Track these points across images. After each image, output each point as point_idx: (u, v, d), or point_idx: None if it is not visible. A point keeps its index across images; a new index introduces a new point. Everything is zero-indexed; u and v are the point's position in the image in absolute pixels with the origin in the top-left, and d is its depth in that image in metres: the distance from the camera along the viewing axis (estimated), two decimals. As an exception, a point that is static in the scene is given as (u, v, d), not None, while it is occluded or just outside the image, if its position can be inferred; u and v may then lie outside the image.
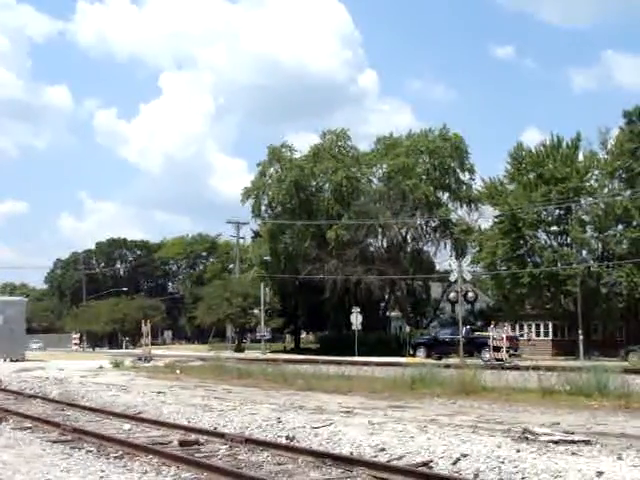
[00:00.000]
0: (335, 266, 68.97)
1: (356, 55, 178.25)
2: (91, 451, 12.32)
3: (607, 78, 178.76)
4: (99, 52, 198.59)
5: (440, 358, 46.16)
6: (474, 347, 45.87)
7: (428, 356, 48.32)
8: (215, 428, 14.82)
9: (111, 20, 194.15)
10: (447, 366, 29.03)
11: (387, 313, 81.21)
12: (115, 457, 11.74)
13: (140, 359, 45.30)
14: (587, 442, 12.20)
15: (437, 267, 75.49)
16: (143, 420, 16.32)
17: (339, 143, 76.14)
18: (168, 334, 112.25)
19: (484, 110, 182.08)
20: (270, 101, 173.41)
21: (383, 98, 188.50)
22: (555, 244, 59.26)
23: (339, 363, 35.99)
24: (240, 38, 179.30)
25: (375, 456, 11.70)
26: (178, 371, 34.87)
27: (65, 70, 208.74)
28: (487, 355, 44.13)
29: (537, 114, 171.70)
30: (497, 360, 40.31)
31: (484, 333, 48.20)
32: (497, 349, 42.17)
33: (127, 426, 15.45)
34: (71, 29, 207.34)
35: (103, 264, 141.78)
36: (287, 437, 13.60)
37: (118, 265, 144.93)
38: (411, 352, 53.14)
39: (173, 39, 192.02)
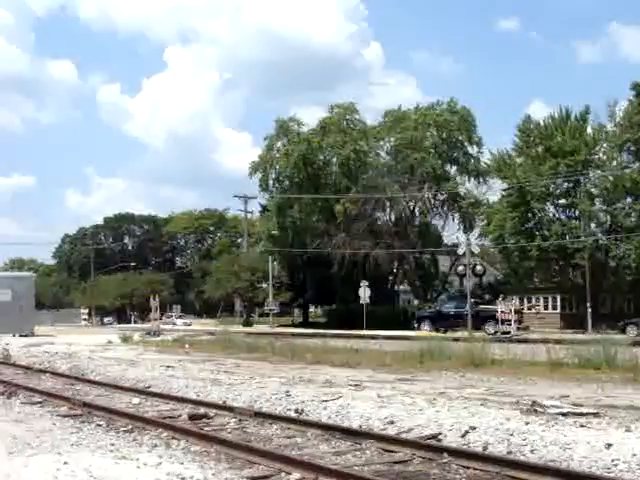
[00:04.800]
0: (343, 240, 68.92)
1: (361, 28, 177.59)
2: (101, 425, 12.37)
3: (613, 50, 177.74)
4: (102, 26, 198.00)
5: (445, 331, 46.23)
6: (479, 320, 45.84)
7: (436, 330, 48.33)
8: (224, 402, 14.87)
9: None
10: (455, 339, 29.06)
11: (395, 287, 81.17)
12: (125, 431, 11.78)
13: (149, 334, 45.47)
14: (596, 414, 12.23)
15: (445, 240, 75.46)
16: (152, 394, 16.38)
17: (347, 117, 75.79)
18: (176, 309, 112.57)
19: (490, 83, 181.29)
20: (275, 75, 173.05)
21: (388, 71, 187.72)
22: (563, 217, 59.08)
23: (347, 337, 36.17)
24: (244, 11, 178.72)
25: (384, 429, 11.73)
26: (187, 345, 35.00)
27: (68, 44, 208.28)
28: (491, 328, 44.21)
29: (543, 87, 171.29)
30: (504, 333, 40.38)
31: (489, 306, 48.26)
32: (504, 322, 42.24)
33: (136, 400, 15.51)
34: (73, 3, 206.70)
35: (111, 239, 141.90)
36: (296, 410, 13.64)
37: (126, 240, 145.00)
38: (415, 325, 53.16)
39: (176, 12, 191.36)
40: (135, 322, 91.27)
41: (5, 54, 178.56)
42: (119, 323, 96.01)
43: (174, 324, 76.35)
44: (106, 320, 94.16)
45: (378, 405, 13.70)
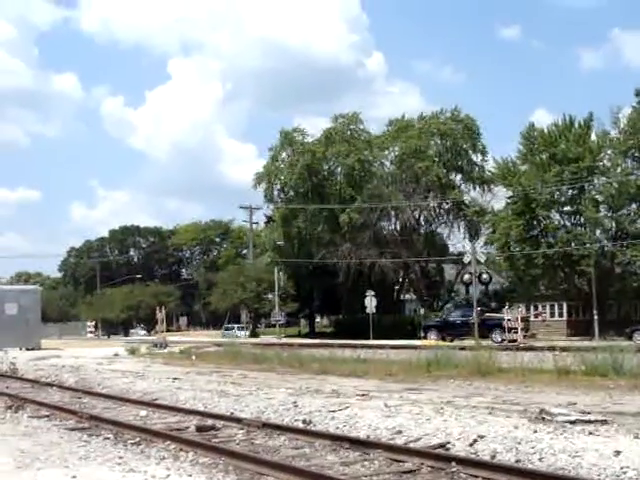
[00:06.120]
0: (349, 250, 68.98)
1: (363, 38, 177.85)
2: (108, 438, 12.36)
3: (616, 57, 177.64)
4: (104, 39, 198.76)
5: (452, 340, 46.17)
6: (485, 329, 45.72)
7: (443, 339, 48.26)
8: (232, 413, 14.86)
9: (115, 6, 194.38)
10: (462, 348, 29.04)
11: (401, 296, 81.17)
12: (133, 443, 11.77)
13: (155, 346, 45.45)
14: (604, 422, 12.20)
15: (451, 249, 75.57)
16: (160, 406, 16.37)
17: (351, 127, 75.97)
18: (183, 320, 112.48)
19: (492, 91, 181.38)
20: (278, 86, 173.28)
21: (391, 81, 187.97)
22: (569, 224, 59.06)
23: (354, 347, 36.10)
24: (246, 23, 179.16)
25: (392, 439, 11.72)
26: (194, 357, 34.97)
27: (72, 58, 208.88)
28: (498, 337, 44.17)
29: (546, 94, 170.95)
30: (510, 341, 40.32)
31: (495, 315, 48.21)
32: (511, 330, 42.19)
33: (144, 412, 15.50)
34: (75, 16, 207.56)
35: (117, 252, 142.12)
36: (304, 421, 13.63)
37: (132, 252, 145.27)
38: (422, 335, 53.11)
39: (179, 24, 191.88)
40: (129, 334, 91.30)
41: (9, 68, 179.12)
42: (125, 335, 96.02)
43: (237, 336, 73.83)
44: (141, 332, 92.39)
45: (386, 415, 13.69)
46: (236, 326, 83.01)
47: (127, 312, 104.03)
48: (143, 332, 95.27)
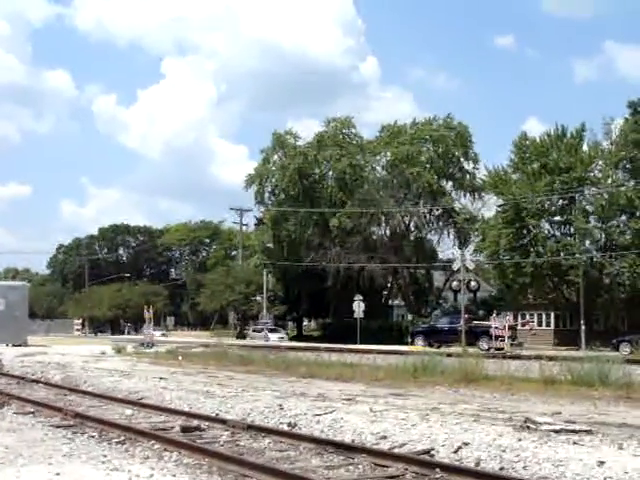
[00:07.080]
0: (338, 254, 69.03)
1: (358, 42, 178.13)
2: (93, 436, 12.32)
3: (609, 69, 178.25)
4: (99, 37, 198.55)
5: (439, 347, 46.17)
6: (473, 336, 45.73)
7: (430, 345, 48.26)
8: (217, 414, 14.83)
9: (110, 4, 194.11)
10: (449, 355, 29.02)
11: (389, 301, 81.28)
12: (117, 442, 11.74)
13: (142, 345, 45.37)
14: (588, 432, 12.22)
15: (440, 256, 75.59)
16: (145, 406, 16.32)
17: (343, 131, 76.12)
18: (170, 320, 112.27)
19: (485, 99, 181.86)
20: (272, 88, 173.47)
21: (385, 86, 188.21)
22: (558, 234, 59.22)
23: (341, 351, 36.08)
24: (242, 24, 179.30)
25: (377, 444, 11.71)
26: (180, 357, 34.90)
27: (65, 55, 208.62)
28: (485, 344, 44.21)
29: (538, 104, 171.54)
30: (497, 349, 40.37)
31: (483, 322, 48.28)
32: (498, 338, 42.25)
33: (129, 412, 15.45)
34: (69, 13, 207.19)
35: (106, 250, 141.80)
36: (289, 424, 13.62)
37: (121, 251, 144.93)
38: (409, 340, 53.11)
39: (174, 24, 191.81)
40: (129, 333, 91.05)
41: (2, 64, 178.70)
42: (112, 334, 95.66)
43: (267, 339, 64.39)
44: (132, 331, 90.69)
45: (371, 420, 13.69)
46: (266, 328, 70.62)
47: (115, 311, 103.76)
48: (161, 331, 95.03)
